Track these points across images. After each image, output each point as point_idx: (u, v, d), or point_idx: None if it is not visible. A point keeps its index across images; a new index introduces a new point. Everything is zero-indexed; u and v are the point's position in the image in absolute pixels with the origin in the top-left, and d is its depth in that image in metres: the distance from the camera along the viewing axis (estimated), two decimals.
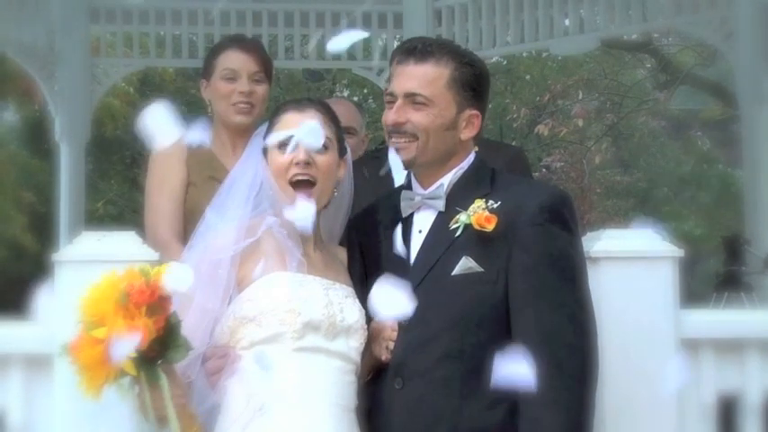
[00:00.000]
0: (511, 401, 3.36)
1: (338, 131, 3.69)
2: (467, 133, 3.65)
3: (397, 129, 3.59)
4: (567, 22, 8.71)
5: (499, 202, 3.51)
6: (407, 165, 3.61)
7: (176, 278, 3.18)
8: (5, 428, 3.88)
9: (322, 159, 3.59)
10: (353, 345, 3.50)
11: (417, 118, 3.57)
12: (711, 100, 17.47)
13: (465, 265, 3.47)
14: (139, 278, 3.11)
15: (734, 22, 7.94)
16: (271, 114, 3.76)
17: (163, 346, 3.13)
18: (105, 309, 3.11)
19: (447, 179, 3.64)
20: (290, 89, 17.32)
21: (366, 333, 3.53)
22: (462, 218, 3.50)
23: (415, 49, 3.61)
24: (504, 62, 18.28)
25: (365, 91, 18.22)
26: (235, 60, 4.56)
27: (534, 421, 3.33)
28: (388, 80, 3.73)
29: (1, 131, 17.06)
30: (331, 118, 3.68)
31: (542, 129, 17.73)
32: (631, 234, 4.11)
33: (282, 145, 3.58)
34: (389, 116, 3.61)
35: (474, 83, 3.65)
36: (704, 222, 18.77)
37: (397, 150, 3.59)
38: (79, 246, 3.81)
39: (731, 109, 13.39)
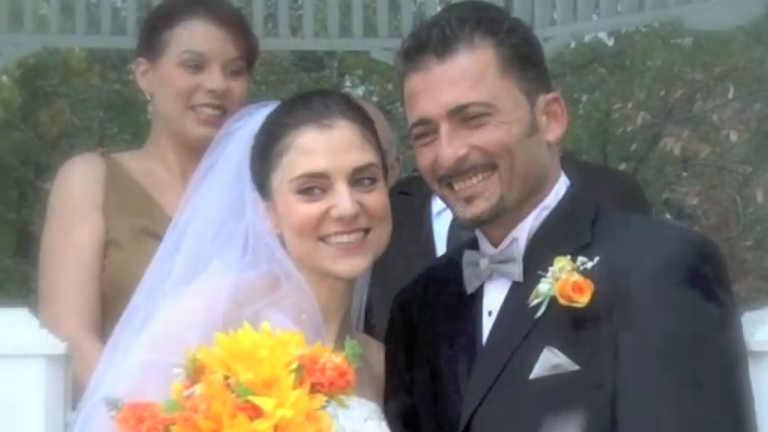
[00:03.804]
0: None
1: (379, 143, 2.68)
2: (554, 130, 2.59)
3: (460, 167, 2.51)
4: None
5: (597, 259, 2.40)
6: (494, 216, 2.53)
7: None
8: None
9: (373, 200, 2.58)
10: None
11: (486, 137, 2.50)
12: None
13: (549, 361, 2.41)
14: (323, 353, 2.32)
15: None
16: (269, 123, 2.65)
17: None
18: (273, 373, 2.26)
19: (524, 228, 2.56)
20: (271, 83, 11.87)
21: None
22: (543, 288, 2.43)
23: (430, 42, 2.52)
24: (611, 42, 12.70)
25: (390, 87, 11.94)
26: (203, 38, 3.28)
27: None
28: (405, 105, 2.61)
29: None
30: (368, 126, 2.66)
31: (671, 144, 11.75)
32: None
33: (307, 190, 2.56)
34: (442, 154, 2.51)
35: (530, 53, 2.58)
36: None
37: (469, 201, 2.53)
38: None
39: None
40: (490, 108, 2.51)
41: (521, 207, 2.56)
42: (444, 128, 2.51)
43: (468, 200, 2.54)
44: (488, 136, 2.51)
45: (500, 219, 2.55)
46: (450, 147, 2.50)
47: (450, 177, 2.55)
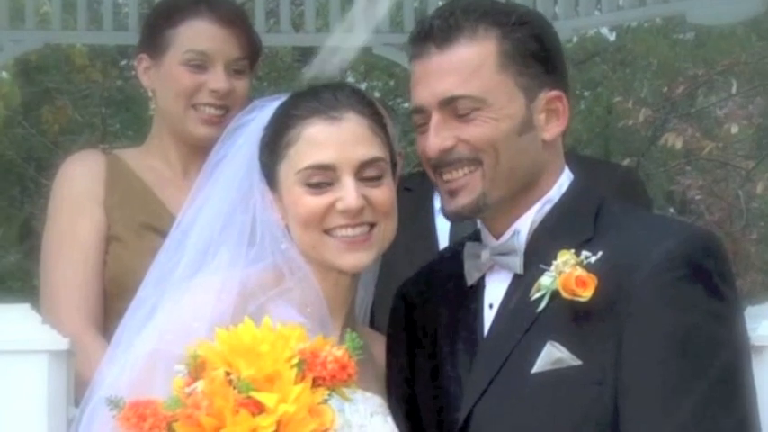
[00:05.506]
0: None
1: (388, 138, 2.63)
2: (553, 129, 2.53)
3: (446, 158, 2.49)
4: None
5: (600, 253, 2.35)
6: (475, 211, 2.51)
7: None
8: None
9: (379, 195, 2.53)
10: None
11: (473, 132, 2.46)
12: None
13: (551, 355, 2.36)
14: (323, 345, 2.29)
15: None
16: (278, 114, 2.61)
17: None
18: (275, 368, 2.24)
19: (526, 221, 2.52)
20: (273, 79, 12.08)
21: None
22: (545, 282, 2.38)
23: (432, 30, 2.48)
24: (613, 38, 12.67)
25: (392, 83, 12.65)
26: (207, 38, 3.23)
27: None
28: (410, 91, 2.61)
29: None
30: (378, 120, 2.60)
31: (672, 139, 11.35)
32: None
33: (314, 182, 2.53)
34: (429, 144, 2.50)
35: (538, 48, 2.50)
36: None
37: (453, 194, 2.51)
38: None
39: None
40: (480, 103, 2.46)
41: (517, 201, 2.52)
42: (434, 118, 2.49)
43: (452, 193, 2.52)
44: (475, 130, 2.47)
45: (483, 214, 2.53)
46: (436, 137, 2.48)
47: (438, 167, 2.53)
